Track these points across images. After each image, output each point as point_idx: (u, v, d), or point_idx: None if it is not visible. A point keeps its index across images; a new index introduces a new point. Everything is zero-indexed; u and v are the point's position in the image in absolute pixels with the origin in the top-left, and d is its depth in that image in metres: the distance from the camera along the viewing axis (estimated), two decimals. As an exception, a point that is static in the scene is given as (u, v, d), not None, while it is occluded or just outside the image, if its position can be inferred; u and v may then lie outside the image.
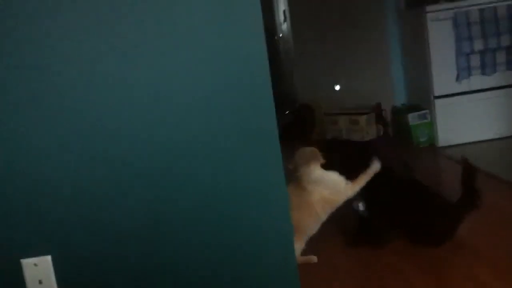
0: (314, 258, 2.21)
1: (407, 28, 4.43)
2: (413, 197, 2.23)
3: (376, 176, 2.22)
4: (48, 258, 1.37)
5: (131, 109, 1.34)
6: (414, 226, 2.20)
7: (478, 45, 3.75)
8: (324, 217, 2.21)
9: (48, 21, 1.28)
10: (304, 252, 2.20)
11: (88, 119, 1.33)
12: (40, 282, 1.36)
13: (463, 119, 3.91)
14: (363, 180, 2.19)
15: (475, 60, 3.80)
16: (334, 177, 2.22)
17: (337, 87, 4.99)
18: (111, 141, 1.34)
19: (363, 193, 2.22)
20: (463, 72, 3.81)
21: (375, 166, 2.21)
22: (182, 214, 1.39)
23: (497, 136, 3.90)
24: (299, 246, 2.17)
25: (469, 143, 3.88)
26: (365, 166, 2.21)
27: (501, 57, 3.80)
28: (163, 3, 1.31)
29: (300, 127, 4.75)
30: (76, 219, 1.36)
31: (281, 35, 6.21)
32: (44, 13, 1.28)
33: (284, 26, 5.89)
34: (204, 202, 1.40)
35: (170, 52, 1.33)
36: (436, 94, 3.91)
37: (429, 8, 3.79)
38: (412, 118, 4.05)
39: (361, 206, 2.28)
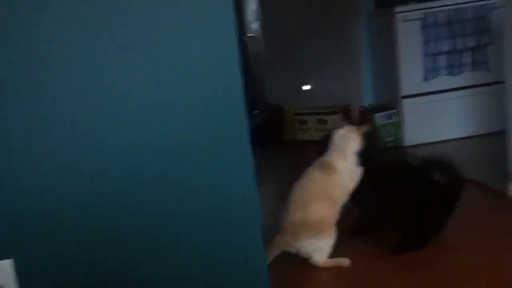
0: (346, 261, 2.11)
1: (376, 28, 4.46)
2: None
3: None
4: (9, 262, 1.32)
5: (104, 113, 1.31)
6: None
7: (445, 46, 3.80)
8: (341, 203, 2.18)
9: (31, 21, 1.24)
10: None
11: (58, 122, 1.29)
12: (1, 287, 1.32)
13: (430, 119, 3.96)
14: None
15: (442, 61, 3.85)
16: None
17: (307, 87, 5.01)
18: (75, 145, 1.31)
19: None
20: (430, 72, 3.86)
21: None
22: (152, 216, 1.37)
23: (463, 135, 3.96)
24: (329, 242, 2.13)
25: (436, 142, 3.94)
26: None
27: (467, 58, 3.86)
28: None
29: (270, 127, 4.74)
30: (38, 222, 1.32)
31: (250, 34, 6.20)
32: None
33: (253, 26, 5.89)
34: (175, 206, 1.38)
35: (145, 55, 1.31)
36: (404, 94, 3.95)
37: (398, 8, 3.83)
38: (380, 118, 4.09)
39: None
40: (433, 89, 3.92)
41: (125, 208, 1.35)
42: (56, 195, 1.32)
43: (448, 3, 3.80)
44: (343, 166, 2.17)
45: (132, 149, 1.33)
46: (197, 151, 1.36)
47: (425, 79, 3.88)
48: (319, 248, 2.10)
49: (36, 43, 1.25)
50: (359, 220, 2.32)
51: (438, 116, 3.96)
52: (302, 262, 2.14)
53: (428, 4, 3.83)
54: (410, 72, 3.89)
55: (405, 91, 3.94)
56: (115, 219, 1.35)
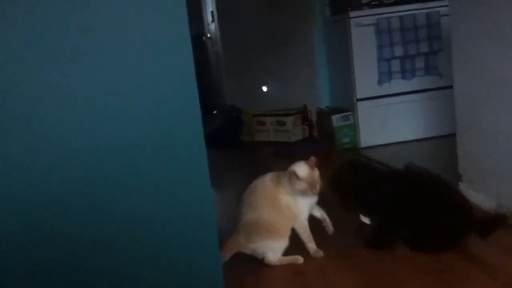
0: (300, 259, 2.15)
1: (332, 33, 4.54)
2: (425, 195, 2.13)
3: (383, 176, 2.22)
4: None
5: (60, 113, 1.30)
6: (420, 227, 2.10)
7: (399, 51, 3.90)
8: (291, 224, 2.17)
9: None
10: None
11: (19, 123, 1.28)
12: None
13: (384, 121, 4.06)
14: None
15: (396, 65, 3.95)
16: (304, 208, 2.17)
17: (265, 89, 5.05)
18: (32, 144, 1.30)
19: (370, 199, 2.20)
20: (384, 76, 3.96)
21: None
22: (107, 219, 1.37)
23: (416, 138, 4.07)
24: (283, 244, 2.15)
25: (389, 144, 4.03)
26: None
27: (420, 62, 3.97)
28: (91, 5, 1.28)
29: (228, 128, 4.76)
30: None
31: (209, 35, 6.21)
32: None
33: (212, 27, 5.90)
34: (130, 209, 1.38)
35: (99, 55, 1.31)
36: (359, 96, 4.04)
37: (352, 14, 3.91)
38: (336, 120, 4.16)
39: (365, 219, 2.29)
40: (387, 93, 4.02)
41: (81, 211, 1.35)
42: (4, 195, 1.31)
43: (401, 9, 3.91)
44: (285, 189, 2.15)
45: (87, 152, 1.33)
46: (150, 154, 1.37)
47: (379, 82, 3.97)
48: (273, 248, 2.14)
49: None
50: (376, 232, 2.25)
51: (392, 119, 4.06)
52: (256, 261, 2.17)
53: (381, 10, 3.92)
54: (365, 76, 3.98)
55: (360, 94, 4.03)
56: (71, 222, 1.35)
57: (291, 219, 2.17)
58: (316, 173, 2.14)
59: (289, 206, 2.15)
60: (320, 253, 2.18)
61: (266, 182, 2.18)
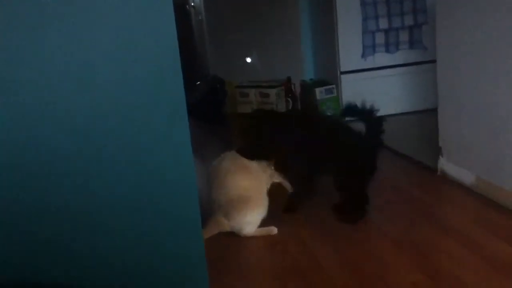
0: (274, 229, 2.18)
1: (317, 4, 4.50)
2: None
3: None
4: None
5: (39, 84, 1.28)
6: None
7: (383, 23, 3.89)
8: (265, 187, 2.26)
9: None
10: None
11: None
12: None
13: (367, 94, 4.03)
14: None
15: (380, 38, 3.94)
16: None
17: (248, 60, 5.01)
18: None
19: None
20: (368, 49, 3.95)
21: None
22: (83, 194, 1.34)
23: (399, 112, 4.08)
24: (261, 212, 2.19)
25: (372, 118, 4.03)
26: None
27: (404, 36, 3.96)
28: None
29: (212, 99, 4.73)
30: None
31: (192, 4, 6.13)
32: None
33: (196, -4, 5.82)
34: (108, 185, 1.35)
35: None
36: (343, 69, 4.03)
37: (338, -15, 3.87)
38: (320, 93, 4.15)
39: None
40: (371, 66, 4.02)
41: (58, 182, 1.33)
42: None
43: (387, -19, 3.87)
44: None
45: (65, 122, 1.31)
46: (131, 126, 1.34)
47: (363, 55, 3.96)
48: (250, 221, 2.16)
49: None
50: (292, 198, 2.40)
51: (375, 92, 4.03)
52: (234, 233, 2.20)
53: (367, -18, 3.88)
54: (349, 49, 3.97)
55: (344, 67, 4.02)
56: (45, 193, 1.33)
57: (264, 180, 2.24)
58: None
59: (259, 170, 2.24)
60: None
61: (228, 160, 2.22)
